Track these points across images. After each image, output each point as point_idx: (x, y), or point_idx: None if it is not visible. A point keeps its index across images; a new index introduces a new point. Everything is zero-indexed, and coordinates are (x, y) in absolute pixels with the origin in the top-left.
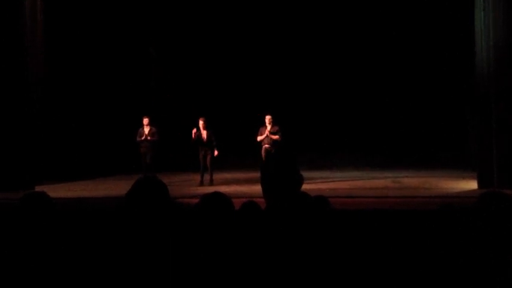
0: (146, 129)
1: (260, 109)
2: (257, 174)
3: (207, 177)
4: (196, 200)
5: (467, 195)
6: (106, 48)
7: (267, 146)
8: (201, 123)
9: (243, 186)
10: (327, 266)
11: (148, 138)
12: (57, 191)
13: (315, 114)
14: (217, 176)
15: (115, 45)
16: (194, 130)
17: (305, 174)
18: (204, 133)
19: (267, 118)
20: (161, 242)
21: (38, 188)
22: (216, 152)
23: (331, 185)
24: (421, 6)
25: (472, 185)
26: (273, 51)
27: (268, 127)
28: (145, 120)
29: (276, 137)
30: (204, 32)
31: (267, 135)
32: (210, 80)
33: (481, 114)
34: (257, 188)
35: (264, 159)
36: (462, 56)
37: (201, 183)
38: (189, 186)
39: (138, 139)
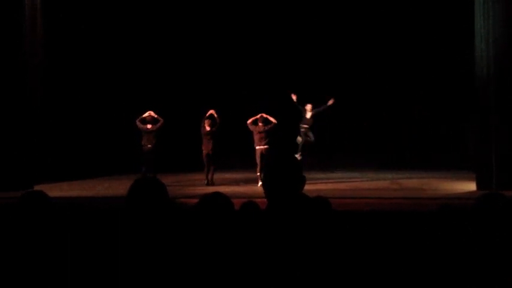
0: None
1: (260, 109)
2: (256, 175)
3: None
4: (195, 200)
5: (466, 196)
6: (106, 48)
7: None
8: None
9: (243, 187)
10: (327, 266)
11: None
12: (56, 190)
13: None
14: (217, 176)
15: (115, 45)
16: None
17: (305, 174)
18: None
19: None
20: (161, 242)
21: (36, 188)
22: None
23: (331, 186)
24: (420, 6)
25: (471, 186)
26: (273, 51)
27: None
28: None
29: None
30: (204, 34)
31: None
32: (209, 81)
33: (480, 115)
34: (256, 188)
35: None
36: (462, 56)
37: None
38: (188, 186)
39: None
